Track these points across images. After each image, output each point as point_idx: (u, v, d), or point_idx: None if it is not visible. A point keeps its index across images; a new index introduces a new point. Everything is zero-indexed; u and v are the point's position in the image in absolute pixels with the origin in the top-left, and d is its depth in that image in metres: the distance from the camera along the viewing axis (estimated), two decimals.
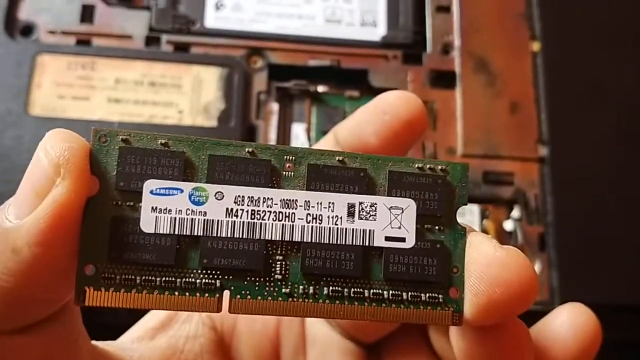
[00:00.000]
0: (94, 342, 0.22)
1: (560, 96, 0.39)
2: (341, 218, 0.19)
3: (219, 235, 0.18)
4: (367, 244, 0.19)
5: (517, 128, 0.39)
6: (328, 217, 0.19)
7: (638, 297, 0.36)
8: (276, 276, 0.18)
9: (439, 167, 0.20)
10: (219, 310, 0.18)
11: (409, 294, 0.19)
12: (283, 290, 0.18)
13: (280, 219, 0.18)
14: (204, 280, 0.18)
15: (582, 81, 0.39)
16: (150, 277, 0.18)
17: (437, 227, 0.19)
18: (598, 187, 0.37)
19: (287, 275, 0.18)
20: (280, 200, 0.18)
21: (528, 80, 0.40)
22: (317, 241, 0.18)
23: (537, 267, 0.36)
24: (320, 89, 0.40)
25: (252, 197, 0.18)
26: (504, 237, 0.38)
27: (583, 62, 0.40)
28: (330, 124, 0.39)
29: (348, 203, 0.19)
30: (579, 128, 0.38)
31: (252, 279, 0.18)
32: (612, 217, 0.37)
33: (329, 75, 0.40)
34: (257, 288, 0.18)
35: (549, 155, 0.38)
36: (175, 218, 0.18)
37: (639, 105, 0.39)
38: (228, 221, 0.18)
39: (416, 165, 0.19)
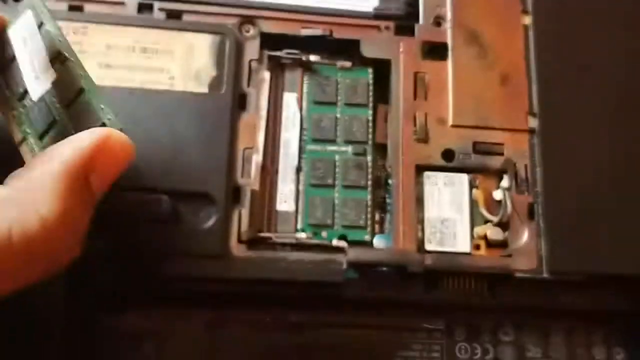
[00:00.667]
0: None
1: (551, 69, 0.39)
2: None
3: None
4: None
5: (507, 100, 0.39)
6: None
7: (626, 267, 0.36)
8: None
9: None
10: None
11: None
12: None
13: None
14: None
15: (572, 54, 0.39)
16: None
17: None
18: (587, 158, 0.38)
19: None
20: None
21: (519, 53, 0.40)
22: None
23: (526, 235, 0.37)
24: (312, 58, 0.40)
25: None
26: (493, 206, 0.38)
27: (574, 35, 0.40)
28: (322, 94, 0.40)
29: None
30: (569, 101, 0.39)
31: None
32: (601, 187, 0.37)
33: (322, 45, 0.40)
34: None
35: (539, 127, 0.38)
36: None
37: (629, 78, 0.39)
38: None
39: None
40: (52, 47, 0.32)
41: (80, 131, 0.29)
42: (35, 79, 0.32)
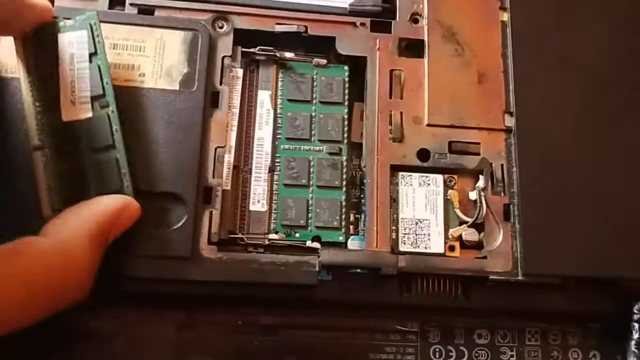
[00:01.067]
0: None
1: (528, 67, 0.39)
2: None
3: None
4: None
5: (484, 98, 0.38)
6: None
7: (601, 269, 0.36)
8: None
9: None
10: None
11: None
12: None
13: None
14: None
15: (549, 53, 0.39)
16: None
17: None
18: (564, 159, 0.37)
19: None
20: None
21: (496, 51, 0.39)
22: None
23: (501, 237, 0.36)
24: (287, 55, 0.39)
25: None
26: (468, 207, 0.37)
27: (551, 33, 0.39)
28: (297, 92, 0.39)
29: None
30: (546, 100, 0.38)
31: None
32: (578, 189, 0.37)
33: (297, 42, 0.39)
34: None
35: (515, 126, 0.38)
36: None
37: (606, 77, 0.39)
38: None
39: None
40: (97, 86, 0.34)
41: (100, 183, 0.33)
42: (71, 103, 0.34)
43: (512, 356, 0.37)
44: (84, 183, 0.33)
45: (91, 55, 0.34)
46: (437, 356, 0.37)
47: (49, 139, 0.34)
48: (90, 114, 0.34)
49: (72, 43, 0.35)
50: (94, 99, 0.34)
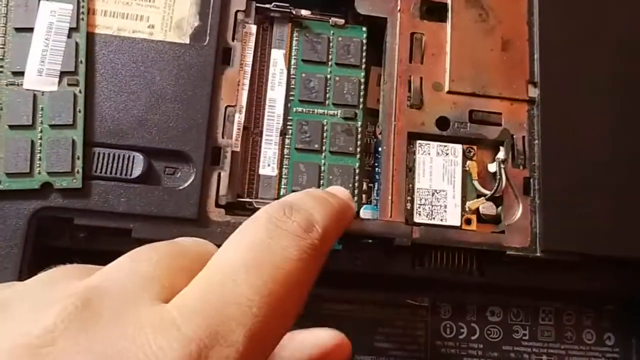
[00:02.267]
0: None
1: (555, 36, 0.37)
2: None
3: None
4: None
5: (507, 67, 0.37)
6: None
7: (620, 249, 0.35)
8: None
9: None
10: None
11: None
12: None
13: None
14: None
15: (577, 22, 0.37)
16: None
17: None
18: (588, 133, 0.36)
19: None
20: None
21: (522, 18, 0.38)
22: None
23: (520, 211, 0.35)
24: (303, 13, 0.37)
25: None
26: (487, 179, 0.36)
27: (580, 1, 0.38)
28: (312, 52, 0.37)
29: None
30: (572, 71, 0.36)
31: None
32: (601, 165, 0.35)
33: None
34: None
35: (539, 98, 0.36)
36: None
37: (635, 51, 0.37)
38: None
39: None
40: (69, 63, 0.33)
41: (50, 160, 0.32)
42: (37, 73, 0.32)
43: (524, 335, 0.36)
44: (32, 157, 0.32)
45: (71, 30, 0.33)
46: (448, 332, 0.36)
47: (4, 104, 0.32)
48: (55, 88, 0.33)
49: (54, 13, 0.33)
50: (63, 74, 0.33)
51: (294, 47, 0.37)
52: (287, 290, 0.21)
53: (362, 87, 0.37)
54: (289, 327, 0.22)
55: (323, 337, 0.27)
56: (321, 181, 0.35)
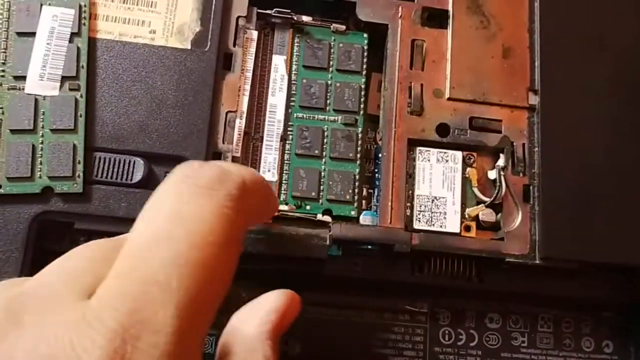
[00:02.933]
0: None
1: (555, 44, 0.37)
2: None
3: None
4: None
5: (508, 74, 0.37)
6: None
7: (620, 256, 0.35)
8: None
9: None
10: None
11: None
12: None
13: None
14: None
15: (578, 30, 0.37)
16: None
17: None
18: (588, 141, 0.36)
19: None
20: None
21: (523, 25, 0.38)
22: None
23: (519, 219, 0.35)
24: (305, 19, 0.37)
25: None
26: (486, 186, 0.36)
27: (580, 10, 0.38)
28: (313, 58, 0.37)
29: None
30: (573, 79, 0.37)
31: None
32: (600, 173, 0.35)
33: (315, 5, 0.38)
34: None
35: (539, 105, 0.36)
36: None
37: (636, 58, 0.37)
38: None
39: None
40: (71, 68, 0.33)
41: (51, 165, 0.32)
42: (39, 77, 0.33)
43: (523, 342, 0.36)
44: (33, 161, 0.32)
45: (73, 35, 0.34)
46: (447, 339, 0.36)
47: (6, 108, 0.33)
48: (56, 93, 0.33)
49: (56, 17, 0.33)
50: (65, 79, 0.33)
51: (295, 53, 0.37)
52: (207, 253, 0.19)
53: (363, 93, 0.37)
54: (222, 293, 0.20)
55: (276, 299, 0.26)
56: (321, 187, 0.35)
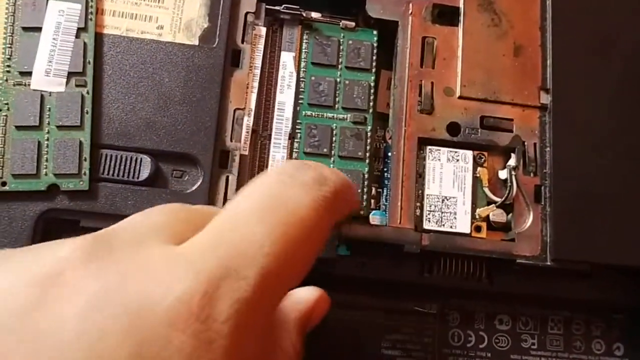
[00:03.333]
0: None
1: (567, 42, 0.36)
2: None
3: None
4: None
5: (519, 72, 0.36)
6: None
7: (632, 258, 0.34)
8: None
9: None
10: None
11: None
12: None
13: None
14: None
15: (591, 28, 0.37)
16: None
17: None
18: (600, 141, 0.35)
19: None
20: None
21: (535, 23, 0.37)
22: None
23: (530, 219, 0.34)
24: (314, 15, 0.37)
25: None
26: (497, 186, 0.35)
27: (593, 8, 0.37)
28: (322, 55, 0.37)
29: None
30: (585, 78, 0.36)
31: None
32: (613, 173, 0.35)
33: (324, 1, 0.37)
34: None
35: (551, 104, 0.36)
36: None
37: None
38: None
39: None
40: (78, 63, 0.33)
41: (57, 162, 0.31)
42: (45, 73, 0.32)
43: (533, 344, 0.36)
44: (39, 158, 0.31)
45: (79, 30, 0.33)
46: (456, 340, 0.36)
47: (6, 100, 0.32)
48: (62, 89, 0.32)
49: (62, 12, 0.33)
50: (71, 74, 0.33)
51: (303, 50, 0.37)
52: (299, 235, 0.21)
53: (372, 91, 0.36)
54: (300, 277, 0.22)
55: (306, 292, 0.28)
56: None
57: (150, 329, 0.17)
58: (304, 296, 0.28)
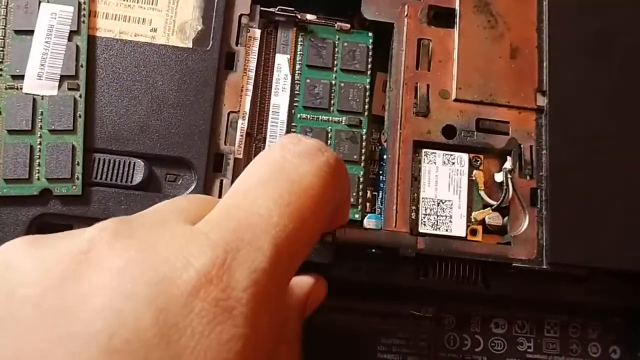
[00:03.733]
0: None
1: (564, 44, 0.36)
2: None
3: None
4: None
5: (516, 75, 0.36)
6: None
7: (629, 262, 0.34)
8: None
9: None
10: None
11: None
12: None
13: None
14: None
15: (588, 30, 0.36)
16: None
17: None
18: (597, 143, 0.35)
19: None
20: None
21: (531, 25, 0.37)
22: None
23: (526, 223, 0.34)
24: (309, 17, 0.37)
25: None
26: (493, 189, 0.35)
27: (590, 9, 0.37)
28: (317, 58, 0.36)
29: None
30: (582, 80, 0.36)
31: None
32: (610, 176, 0.35)
33: (319, 3, 0.37)
34: None
35: (547, 106, 0.35)
36: None
37: None
38: None
39: None
40: (70, 67, 0.32)
41: (50, 166, 0.31)
42: (37, 76, 0.32)
43: (529, 347, 0.36)
44: (31, 163, 0.31)
45: (72, 33, 0.33)
46: (452, 344, 0.35)
47: (3, 108, 0.32)
48: (55, 92, 0.32)
49: (55, 15, 0.32)
50: (64, 78, 0.32)
51: (298, 52, 0.37)
52: (305, 203, 0.21)
53: (368, 93, 0.36)
54: (311, 244, 0.22)
55: (303, 279, 0.29)
56: None
57: (172, 297, 0.17)
58: (300, 281, 0.28)
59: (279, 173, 0.22)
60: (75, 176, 0.31)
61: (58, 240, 0.21)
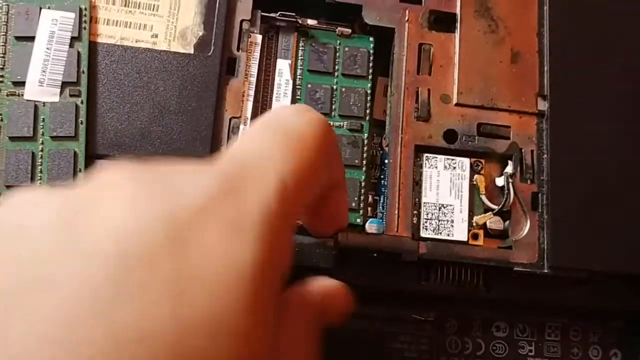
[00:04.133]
0: None
1: (565, 49, 0.36)
2: None
3: None
4: None
5: (517, 79, 0.36)
6: None
7: (631, 266, 0.34)
8: None
9: None
10: None
11: None
12: None
13: None
14: None
15: (589, 34, 0.37)
16: None
17: None
18: (599, 148, 0.35)
19: None
20: None
21: (532, 29, 0.37)
22: None
23: (528, 227, 0.34)
24: (310, 22, 0.37)
25: None
26: (494, 193, 0.35)
27: (591, 13, 0.37)
28: (318, 62, 0.36)
29: None
30: (583, 84, 0.36)
31: None
32: (611, 180, 0.35)
33: (320, 8, 0.37)
34: None
35: (548, 111, 0.36)
36: None
37: None
38: None
39: None
40: (72, 73, 0.32)
41: (52, 173, 0.31)
42: (38, 83, 0.32)
43: (530, 351, 0.36)
44: (33, 169, 0.31)
45: (73, 40, 0.33)
46: (453, 348, 0.36)
47: (5, 115, 0.32)
48: (56, 99, 0.32)
49: (56, 21, 0.32)
50: (65, 84, 0.32)
51: (299, 57, 0.37)
52: (302, 144, 0.22)
53: (369, 98, 0.36)
54: (313, 185, 0.23)
55: (321, 282, 0.27)
56: None
57: (186, 215, 0.18)
58: (318, 281, 0.27)
59: (274, 125, 0.23)
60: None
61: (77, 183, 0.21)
